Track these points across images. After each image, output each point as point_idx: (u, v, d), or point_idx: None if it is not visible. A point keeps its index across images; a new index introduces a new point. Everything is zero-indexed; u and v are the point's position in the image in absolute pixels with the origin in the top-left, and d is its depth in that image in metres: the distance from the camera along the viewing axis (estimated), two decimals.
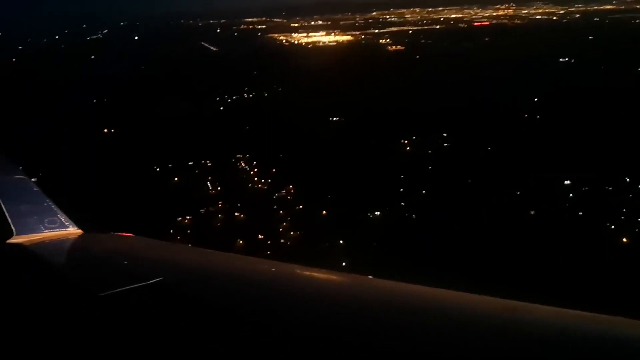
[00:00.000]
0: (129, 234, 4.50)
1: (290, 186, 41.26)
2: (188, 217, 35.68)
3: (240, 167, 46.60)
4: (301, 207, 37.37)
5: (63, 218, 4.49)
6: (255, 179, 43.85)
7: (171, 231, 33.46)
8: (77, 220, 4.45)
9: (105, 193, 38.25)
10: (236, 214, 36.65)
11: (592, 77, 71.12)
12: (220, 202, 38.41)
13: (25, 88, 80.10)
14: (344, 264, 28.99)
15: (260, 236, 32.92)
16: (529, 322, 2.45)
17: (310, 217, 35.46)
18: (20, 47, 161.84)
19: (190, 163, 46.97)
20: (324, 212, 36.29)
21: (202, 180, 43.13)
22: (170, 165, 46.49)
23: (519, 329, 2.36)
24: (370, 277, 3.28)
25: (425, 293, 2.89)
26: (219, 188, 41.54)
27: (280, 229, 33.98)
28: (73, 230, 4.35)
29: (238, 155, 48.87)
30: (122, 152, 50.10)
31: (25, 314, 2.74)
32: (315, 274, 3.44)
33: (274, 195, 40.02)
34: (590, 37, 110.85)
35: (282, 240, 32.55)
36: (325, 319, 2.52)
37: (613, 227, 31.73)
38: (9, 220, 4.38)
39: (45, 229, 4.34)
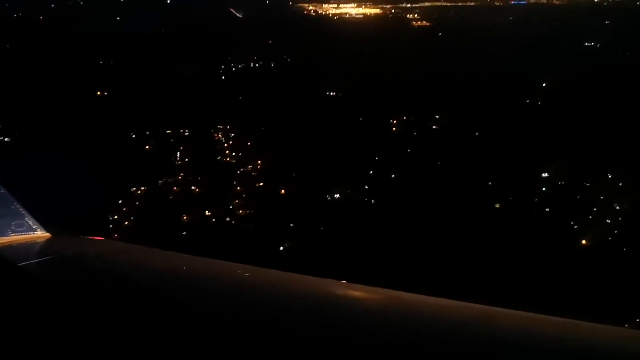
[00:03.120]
0: (99, 238, 4.42)
1: (259, 161, 40.06)
2: (143, 188, 34.84)
3: (216, 138, 45.54)
4: (261, 184, 36.21)
5: (31, 221, 4.32)
6: (227, 151, 42.77)
7: (120, 201, 32.70)
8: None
9: (69, 155, 37.61)
10: (192, 187, 35.70)
11: (614, 66, 67.29)
12: (181, 174, 37.50)
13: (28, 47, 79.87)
14: (281, 248, 27.87)
15: (207, 212, 31.91)
16: (506, 328, 2.39)
17: (266, 196, 34.32)
18: (52, 5, 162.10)
19: (168, 131, 46.06)
20: (283, 191, 35.03)
21: (173, 149, 42.24)
22: (147, 133, 45.68)
23: (495, 335, 2.31)
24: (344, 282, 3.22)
25: (398, 299, 2.83)
26: (186, 159, 40.60)
27: (231, 206, 32.90)
28: (41, 234, 4.22)
29: (219, 126, 47.78)
30: (106, 115, 49.50)
31: None
32: (282, 278, 3.37)
33: (239, 170, 38.90)
34: (625, 22, 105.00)
35: (227, 219, 31.49)
36: (297, 325, 2.42)
37: (576, 227, 29.66)
38: None
39: (12, 233, 4.22)
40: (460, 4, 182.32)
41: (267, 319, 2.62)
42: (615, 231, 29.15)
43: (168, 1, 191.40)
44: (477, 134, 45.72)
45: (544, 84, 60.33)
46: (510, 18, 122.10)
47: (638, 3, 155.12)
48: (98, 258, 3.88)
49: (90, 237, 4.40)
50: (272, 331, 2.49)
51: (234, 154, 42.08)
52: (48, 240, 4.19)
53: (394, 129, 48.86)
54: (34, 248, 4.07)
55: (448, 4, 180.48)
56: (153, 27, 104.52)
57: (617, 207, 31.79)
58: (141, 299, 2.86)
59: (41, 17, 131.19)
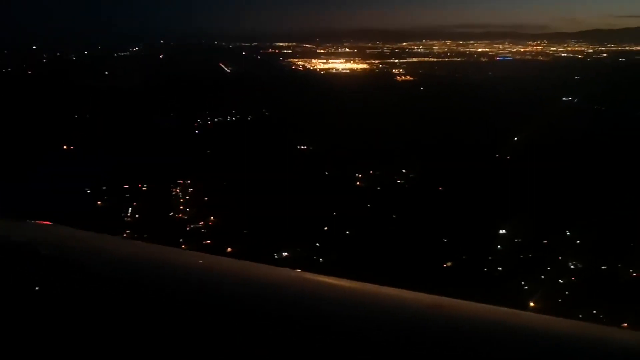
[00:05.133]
0: (47, 222, 4.15)
1: (211, 218, 38.91)
2: None
3: (173, 193, 44.46)
4: (209, 242, 34.89)
5: None
6: (181, 207, 41.60)
7: None
8: None
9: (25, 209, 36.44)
10: None
11: (584, 119, 67.38)
12: (127, 231, 36.13)
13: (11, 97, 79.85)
14: None
15: None
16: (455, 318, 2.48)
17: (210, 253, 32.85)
18: (44, 61, 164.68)
19: (125, 186, 45.05)
20: (229, 249, 33.65)
21: (126, 206, 41.05)
22: (104, 188, 44.64)
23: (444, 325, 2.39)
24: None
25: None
26: (137, 215, 39.37)
27: None
28: None
29: (179, 181, 46.79)
30: (68, 167, 48.72)
31: None
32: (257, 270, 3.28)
33: (189, 226, 37.65)
34: (598, 77, 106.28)
35: None
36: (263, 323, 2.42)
37: (526, 287, 28.21)
38: None
39: None
40: (447, 59, 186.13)
41: (217, 303, 2.58)
42: (567, 292, 27.76)
43: (160, 56, 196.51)
44: (440, 188, 44.80)
45: (515, 138, 59.88)
46: (490, 73, 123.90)
47: (620, 59, 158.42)
48: (46, 243, 3.66)
49: (37, 222, 4.16)
50: (224, 317, 2.44)
51: (187, 209, 40.89)
52: None
53: (358, 183, 47.86)
54: None
55: (435, 60, 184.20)
56: (139, 82, 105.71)
57: (572, 267, 30.48)
58: (89, 286, 2.80)
59: (30, 72, 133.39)
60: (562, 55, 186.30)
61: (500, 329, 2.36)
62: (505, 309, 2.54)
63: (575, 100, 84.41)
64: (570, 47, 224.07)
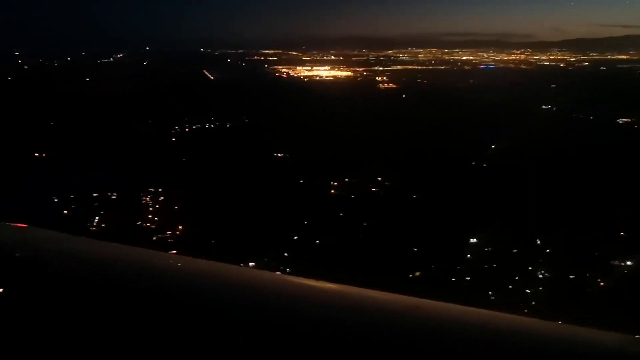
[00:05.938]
0: (22, 225, 4.08)
1: (180, 227, 38.16)
2: None
3: (143, 201, 43.64)
4: (174, 252, 34.01)
5: None
6: (150, 216, 40.79)
7: None
8: None
9: None
10: None
11: (562, 127, 67.53)
12: None
13: None
14: None
15: None
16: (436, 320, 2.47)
17: None
18: (25, 67, 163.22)
19: (94, 195, 44.17)
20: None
21: (92, 215, 40.15)
22: (72, 196, 43.72)
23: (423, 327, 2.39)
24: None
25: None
26: (103, 225, 38.51)
27: None
28: None
29: (150, 189, 45.97)
30: (37, 176, 47.79)
31: None
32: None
33: (156, 236, 36.86)
34: (580, 86, 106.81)
35: None
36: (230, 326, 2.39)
37: (493, 297, 27.71)
38: None
39: None
40: (431, 67, 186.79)
41: (194, 304, 2.55)
42: (533, 302, 27.33)
43: (144, 63, 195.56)
44: (414, 196, 44.36)
45: (492, 146, 59.76)
46: (471, 81, 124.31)
47: (602, 68, 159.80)
48: (21, 245, 3.63)
49: (12, 224, 4.16)
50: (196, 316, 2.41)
51: (156, 218, 40.10)
52: None
53: (333, 191, 47.34)
54: None
55: (419, 67, 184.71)
56: (121, 88, 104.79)
57: (540, 276, 30.11)
58: (65, 287, 2.76)
59: (9, 79, 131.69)
60: (545, 63, 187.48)
61: (479, 330, 2.38)
62: (484, 310, 2.58)
63: (555, 109, 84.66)
64: (553, 55, 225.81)
